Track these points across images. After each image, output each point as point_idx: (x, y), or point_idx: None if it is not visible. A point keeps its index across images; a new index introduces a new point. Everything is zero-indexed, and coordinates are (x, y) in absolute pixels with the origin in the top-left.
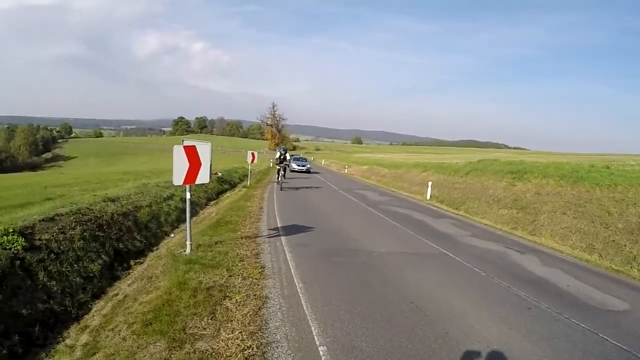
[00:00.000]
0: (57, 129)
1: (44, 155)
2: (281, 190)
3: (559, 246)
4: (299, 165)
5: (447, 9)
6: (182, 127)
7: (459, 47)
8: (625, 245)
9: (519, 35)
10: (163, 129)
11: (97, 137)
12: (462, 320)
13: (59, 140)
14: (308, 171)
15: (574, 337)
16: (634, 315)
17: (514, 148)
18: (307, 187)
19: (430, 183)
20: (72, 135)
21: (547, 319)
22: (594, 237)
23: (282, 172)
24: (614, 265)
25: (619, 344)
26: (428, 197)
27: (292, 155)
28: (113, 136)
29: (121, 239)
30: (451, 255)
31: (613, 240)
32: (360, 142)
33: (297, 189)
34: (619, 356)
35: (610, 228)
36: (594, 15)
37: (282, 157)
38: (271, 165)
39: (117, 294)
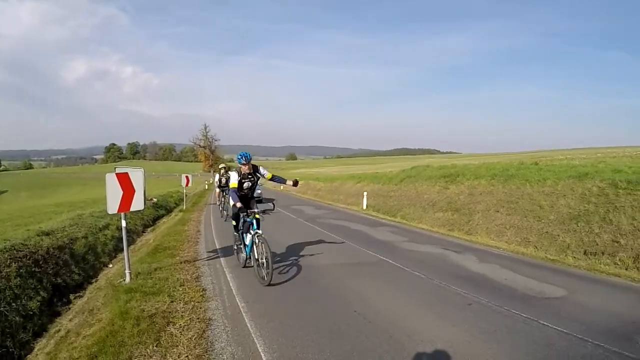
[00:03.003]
0: None
1: None
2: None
3: (495, 243)
4: None
5: (378, 21)
6: (114, 154)
7: (390, 58)
8: (558, 235)
9: (446, 44)
10: (95, 156)
11: (28, 169)
12: (405, 322)
13: None
14: (260, 200)
15: (516, 327)
16: (571, 300)
17: (446, 153)
18: None
19: (365, 193)
20: (0, 169)
21: (488, 313)
22: (528, 230)
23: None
24: (549, 255)
25: (559, 328)
26: (364, 207)
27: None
28: (44, 167)
29: (59, 273)
30: (390, 261)
31: (546, 232)
32: (294, 158)
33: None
34: (560, 339)
35: (542, 221)
36: (518, 21)
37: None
38: (206, 188)
39: (59, 330)
